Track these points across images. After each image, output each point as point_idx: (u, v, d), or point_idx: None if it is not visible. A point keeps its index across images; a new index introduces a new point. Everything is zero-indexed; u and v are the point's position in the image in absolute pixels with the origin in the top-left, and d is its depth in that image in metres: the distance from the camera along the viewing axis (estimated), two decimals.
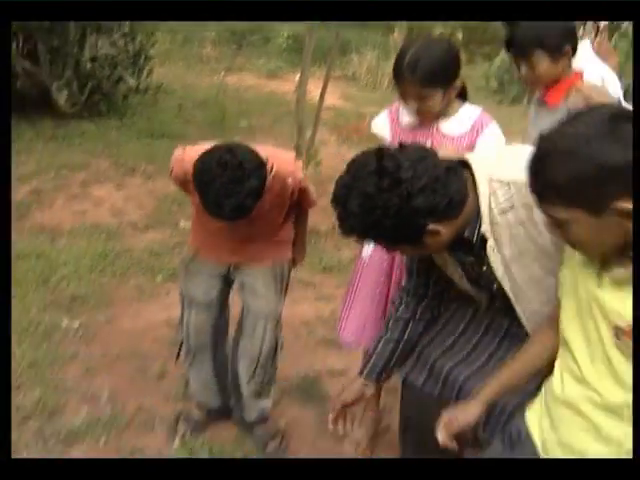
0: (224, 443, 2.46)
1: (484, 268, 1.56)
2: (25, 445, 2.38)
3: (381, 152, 1.43)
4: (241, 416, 2.51)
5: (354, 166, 1.45)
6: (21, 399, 2.61)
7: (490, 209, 1.47)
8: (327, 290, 3.60)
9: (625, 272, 1.12)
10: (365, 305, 2.28)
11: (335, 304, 3.21)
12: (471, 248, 1.53)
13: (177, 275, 3.45)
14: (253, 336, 2.31)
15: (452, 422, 1.48)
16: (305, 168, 4.61)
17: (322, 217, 3.74)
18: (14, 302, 3.19)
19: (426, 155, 1.44)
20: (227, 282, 2.38)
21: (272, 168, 1.94)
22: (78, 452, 2.38)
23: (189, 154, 2.01)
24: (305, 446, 2.47)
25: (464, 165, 1.51)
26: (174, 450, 2.40)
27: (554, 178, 1.10)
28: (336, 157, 5.76)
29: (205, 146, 1.95)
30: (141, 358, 2.92)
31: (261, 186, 1.86)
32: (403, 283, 1.86)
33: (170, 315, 2.82)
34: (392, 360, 1.85)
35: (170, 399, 2.69)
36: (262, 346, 2.30)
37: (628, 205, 1.04)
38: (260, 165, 1.87)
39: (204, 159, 1.85)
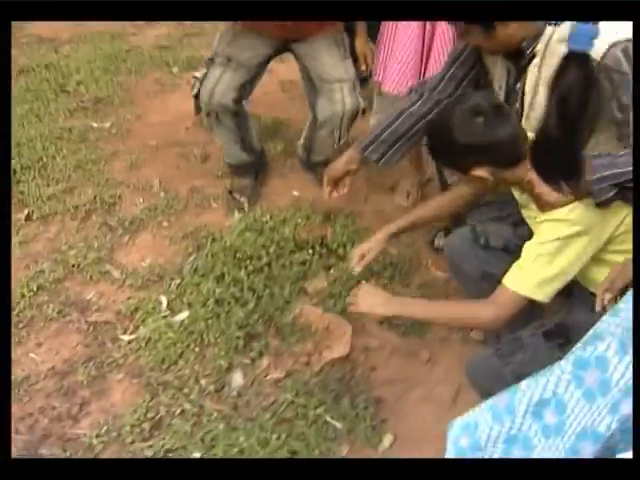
0: (281, 209, 2.58)
1: (518, 85, 1.66)
2: (95, 237, 2.50)
3: None
4: (306, 157, 2.68)
5: None
6: (77, 198, 2.68)
7: (552, 34, 1.56)
8: None
9: (522, 197, 1.58)
10: (403, 56, 2.26)
11: None
12: (519, 60, 1.63)
13: (193, 65, 3.40)
14: (332, 100, 2.34)
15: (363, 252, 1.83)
16: None
17: None
18: (39, 113, 3.16)
19: None
20: (274, 55, 2.40)
21: None
22: (146, 235, 2.51)
23: None
24: (358, 194, 2.61)
25: None
26: (235, 221, 2.54)
27: (439, 154, 1.58)
28: None
29: None
30: (180, 146, 2.96)
31: None
32: (429, 80, 1.91)
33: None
34: (393, 147, 1.98)
35: (219, 177, 2.77)
36: (344, 110, 2.35)
37: (477, 173, 1.44)
38: None
39: None
